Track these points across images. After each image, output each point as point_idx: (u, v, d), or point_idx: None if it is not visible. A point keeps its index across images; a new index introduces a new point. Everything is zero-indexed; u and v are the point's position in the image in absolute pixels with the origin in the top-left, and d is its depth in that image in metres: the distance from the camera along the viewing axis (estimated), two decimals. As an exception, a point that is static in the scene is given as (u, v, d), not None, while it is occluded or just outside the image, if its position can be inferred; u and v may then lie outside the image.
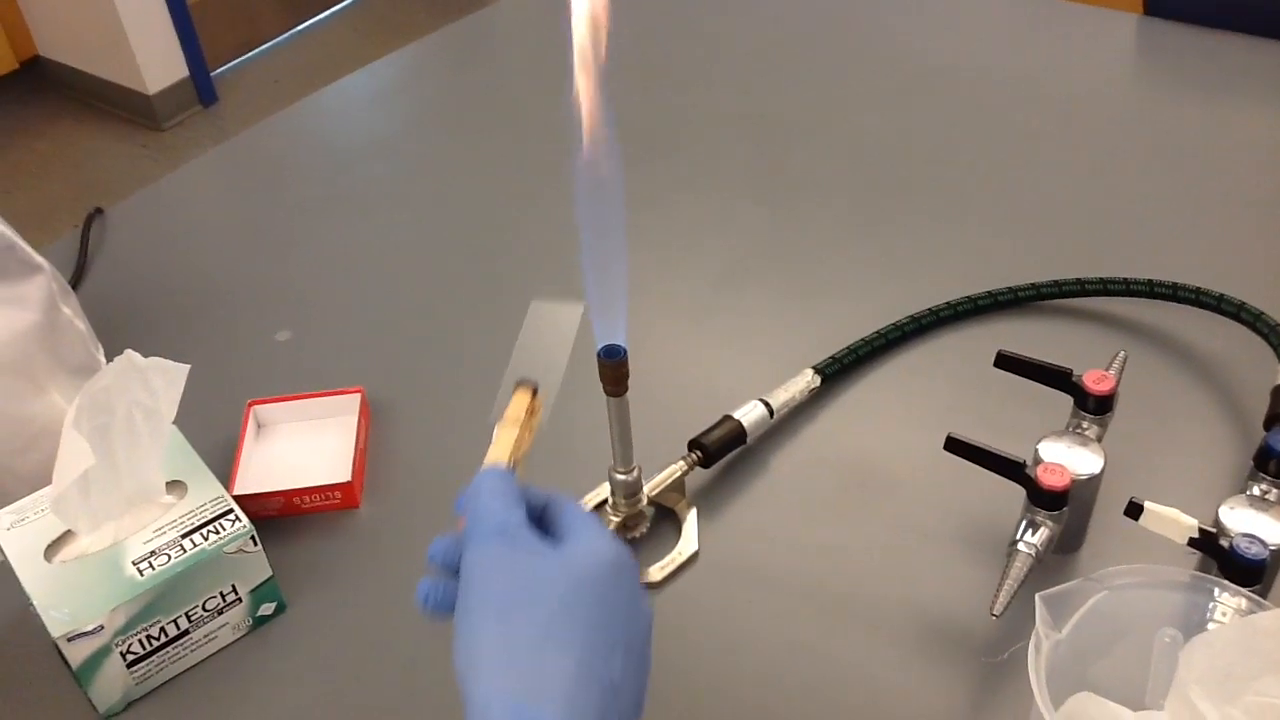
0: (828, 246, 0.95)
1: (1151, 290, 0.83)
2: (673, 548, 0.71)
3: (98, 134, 2.91)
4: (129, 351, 0.63)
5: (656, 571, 0.70)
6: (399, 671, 0.67)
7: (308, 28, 3.30)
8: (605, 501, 0.72)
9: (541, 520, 0.50)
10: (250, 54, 3.17)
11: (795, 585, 0.69)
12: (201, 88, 2.93)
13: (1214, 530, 0.60)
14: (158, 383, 0.64)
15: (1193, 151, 1.02)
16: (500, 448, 0.53)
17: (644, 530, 0.72)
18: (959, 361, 0.82)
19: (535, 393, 0.55)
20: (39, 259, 0.79)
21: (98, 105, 2.96)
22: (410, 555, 0.72)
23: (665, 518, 0.74)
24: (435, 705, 0.64)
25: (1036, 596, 0.50)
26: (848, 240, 0.96)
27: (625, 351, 0.62)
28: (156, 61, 2.81)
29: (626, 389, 0.64)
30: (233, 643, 0.68)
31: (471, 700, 0.41)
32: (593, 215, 0.58)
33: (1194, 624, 0.52)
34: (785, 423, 0.79)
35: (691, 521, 0.72)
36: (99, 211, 1.06)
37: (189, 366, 0.65)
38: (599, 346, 0.62)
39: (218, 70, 3.03)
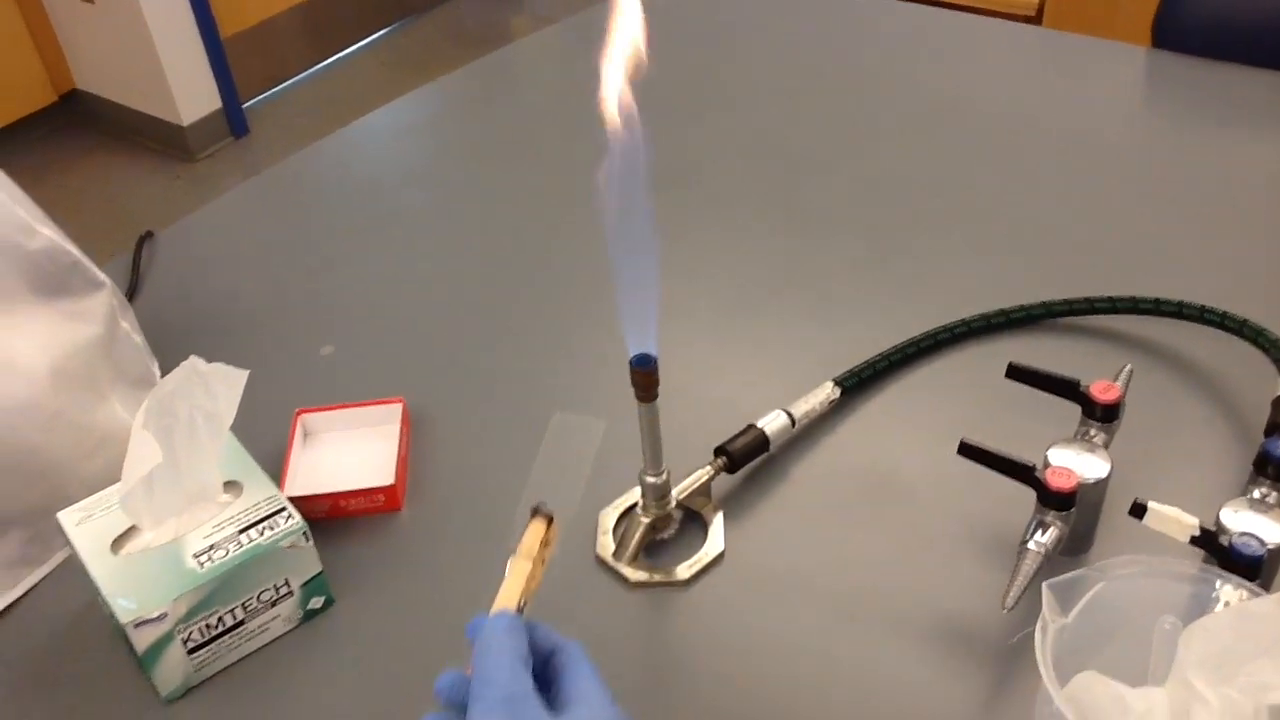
0: (846, 269, 0.99)
1: (1158, 308, 0.86)
2: (700, 548, 0.75)
3: (131, 165, 2.98)
4: (193, 357, 0.67)
5: (684, 570, 0.74)
6: (440, 666, 0.70)
7: (335, 62, 3.38)
8: (635, 505, 0.76)
9: (547, 667, 0.51)
10: (279, 87, 3.25)
11: (816, 585, 0.73)
12: (234, 119, 3.00)
13: (1214, 530, 0.63)
14: (218, 387, 0.68)
15: (1198, 178, 1.06)
16: (513, 586, 0.53)
17: (672, 531, 0.76)
18: (972, 376, 0.86)
19: (550, 522, 0.55)
20: (101, 276, 0.84)
21: (132, 137, 3.04)
22: (450, 557, 0.77)
23: (693, 520, 0.77)
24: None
25: (1044, 584, 0.54)
26: (865, 263, 1.00)
27: (655, 360, 0.66)
28: (190, 93, 2.89)
29: (656, 395, 0.68)
30: (284, 634, 0.72)
31: None
32: (624, 229, 0.63)
33: (1194, 612, 0.55)
34: (806, 433, 0.83)
35: (718, 524, 0.76)
36: (149, 235, 1.10)
37: (248, 372, 0.69)
38: (630, 355, 0.67)
39: (248, 103, 3.10)
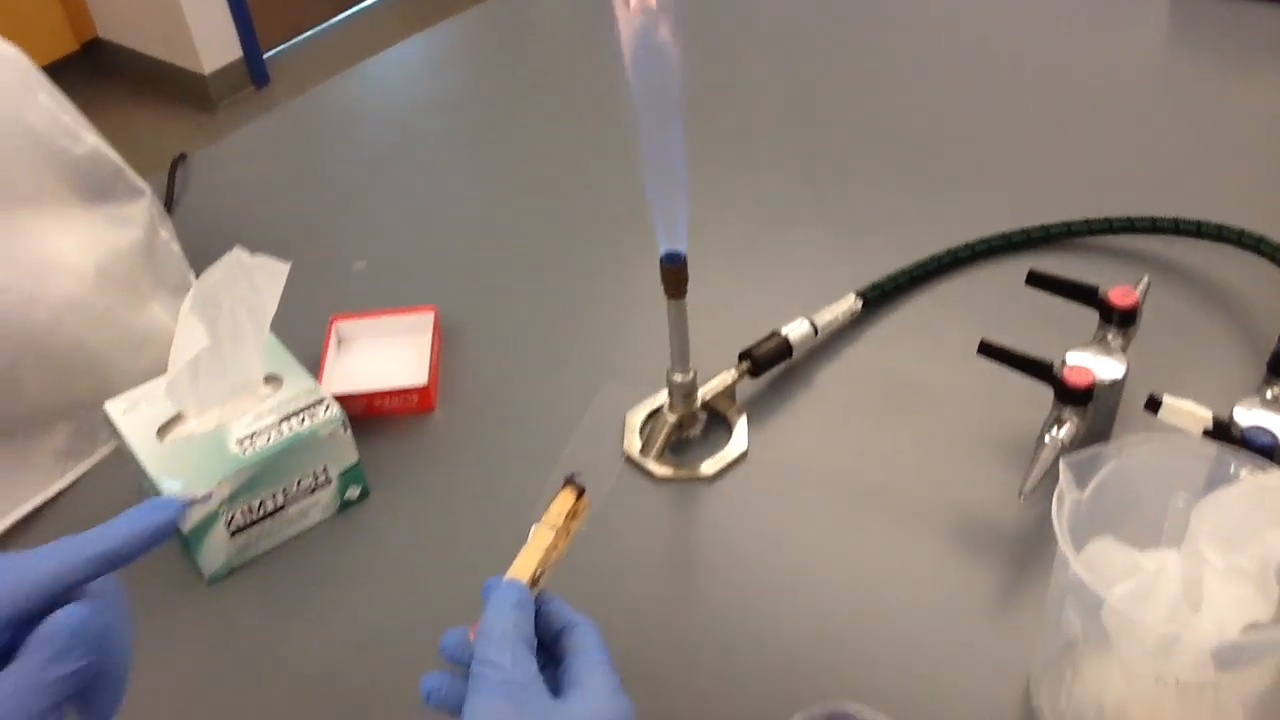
0: (872, 194, 1.01)
1: (1176, 228, 0.88)
2: (724, 447, 0.77)
3: (152, 114, 3.00)
4: (237, 249, 0.70)
5: (709, 466, 0.76)
6: (470, 557, 0.73)
7: (355, 14, 3.38)
8: (661, 406, 0.78)
9: (557, 644, 0.51)
10: (300, 38, 3.26)
11: (837, 481, 0.75)
12: (254, 69, 3.02)
13: (1228, 422, 0.65)
14: (261, 280, 0.70)
15: (1218, 110, 1.07)
16: (530, 555, 0.51)
17: (698, 431, 0.78)
18: (993, 292, 0.88)
19: (581, 494, 0.54)
20: (141, 184, 0.86)
21: (153, 86, 3.05)
22: (481, 457, 0.80)
23: (717, 422, 0.79)
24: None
25: (1061, 460, 0.56)
26: (890, 186, 1.01)
27: (684, 257, 0.68)
28: (212, 42, 2.90)
29: (685, 293, 0.70)
30: (322, 522, 0.75)
31: None
32: (653, 128, 0.64)
33: (1206, 490, 0.57)
34: (829, 342, 0.85)
35: (741, 425, 0.78)
36: (183, 157, 1.13)
37: (290, 264, 0.71)
38: (661, 253, 0.68)
39: (269, 53, 3.11)
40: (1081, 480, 0.56)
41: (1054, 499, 0.55)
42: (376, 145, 1.16)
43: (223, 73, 2.96)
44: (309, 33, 3.28)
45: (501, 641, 0.47)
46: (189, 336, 0.67)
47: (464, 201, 1.06)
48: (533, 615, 0.50)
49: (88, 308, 0.77)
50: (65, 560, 0.42)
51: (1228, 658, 0.51)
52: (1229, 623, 0.51)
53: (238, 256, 0.69)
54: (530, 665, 0.47)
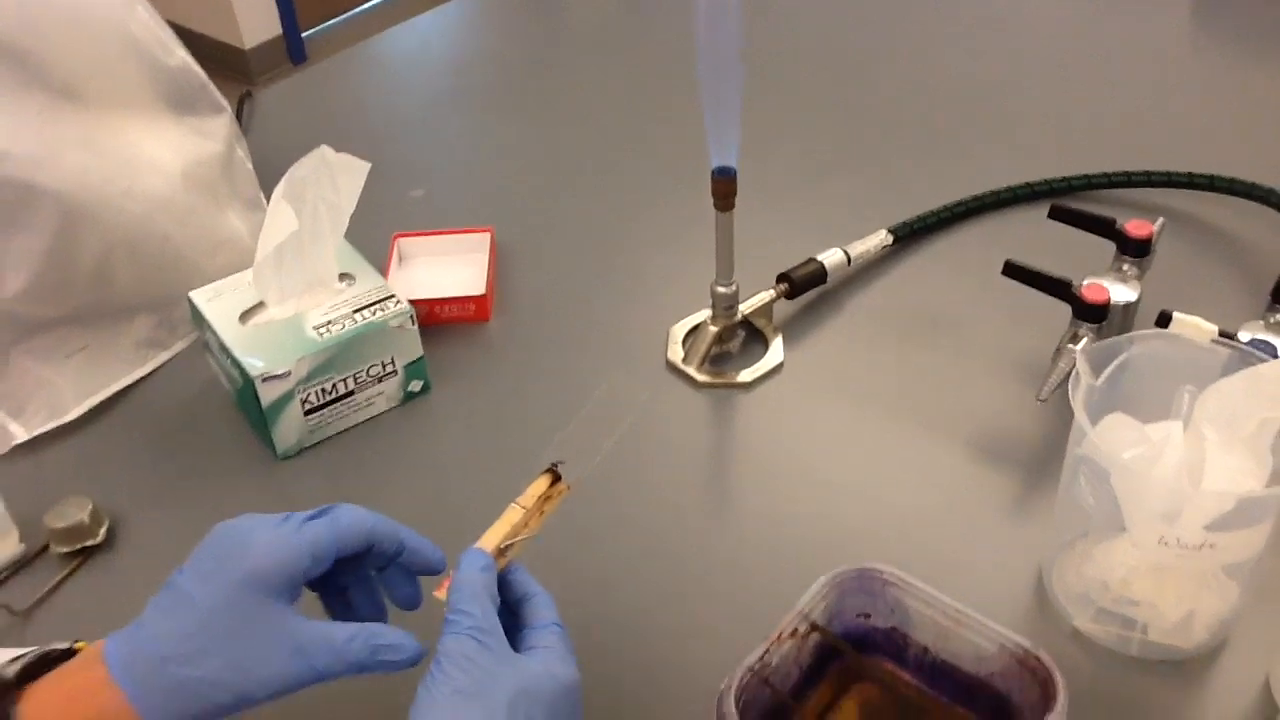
0: (906, 144, 1.06)
1: (1190, 181, 0.93)
2: (761, 360, 0.83)
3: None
4: (324, 146, 0.75)
5: (747, 374, 0.81)
6: (519, 450, 0.77)
7: (393, -2, 3.45)
8: (702, 322, 0.84)
9: (517, 611, 0.55)
10: (339, 18, 3.32)
11: (866, 393, 0.80)
12: (293, 46, 3.08)
13: (1232, 336, 0.70)
14: (342, 179, 0.76)
15: (1236, 81, 1.13)
16: (499, 529, 0.55)
17: (738, 344, 0.84)
18: (1015, 235, 0.93)
19: (557, 480, 0.58)
20: (223, 100, 0.92)
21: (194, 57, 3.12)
22: (533, 363, 0.85)
23: (755, 338, 0.85)
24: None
25: (1078, 350, 0.61)
26: (924, 139, 1.07)
27: (735, 171, 0.74)
28: (253, 17, 2.97)
29: (733, 205, 0.75)
30: (386, 411, 0.80)
31: None
32: (713, 49, 0.70)
33: (1211, 381, 0.62)
34: (861, 274, 0.90)
35: (778, 341, 0.84)
36: (249, 94, 1.19)
37: (370, 165, 0.77)
38: (713, 166, 0.74)
39: (308, 32, 3.18)
40: (1097, 368, 0.62)
41: (1070, 382, 0.60)
42: (429, 90, 1.22)
43: (262, 49, 3.03)
44: (347, 14, 3.35)
45: (470, 595, 0.52)
46: (279, 220, 0.73)
47: (515, 137, 1.12)
48: (494, 580, 0.54)
49: (175, 206, 0.82)
50: (379, 527, 0.55)
51: (1224, 520, 0.56)
52: (1226, 489, 0.56)
53: (323, 153, 0.75)
54: (494, 618, 0.52)
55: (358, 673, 0.51)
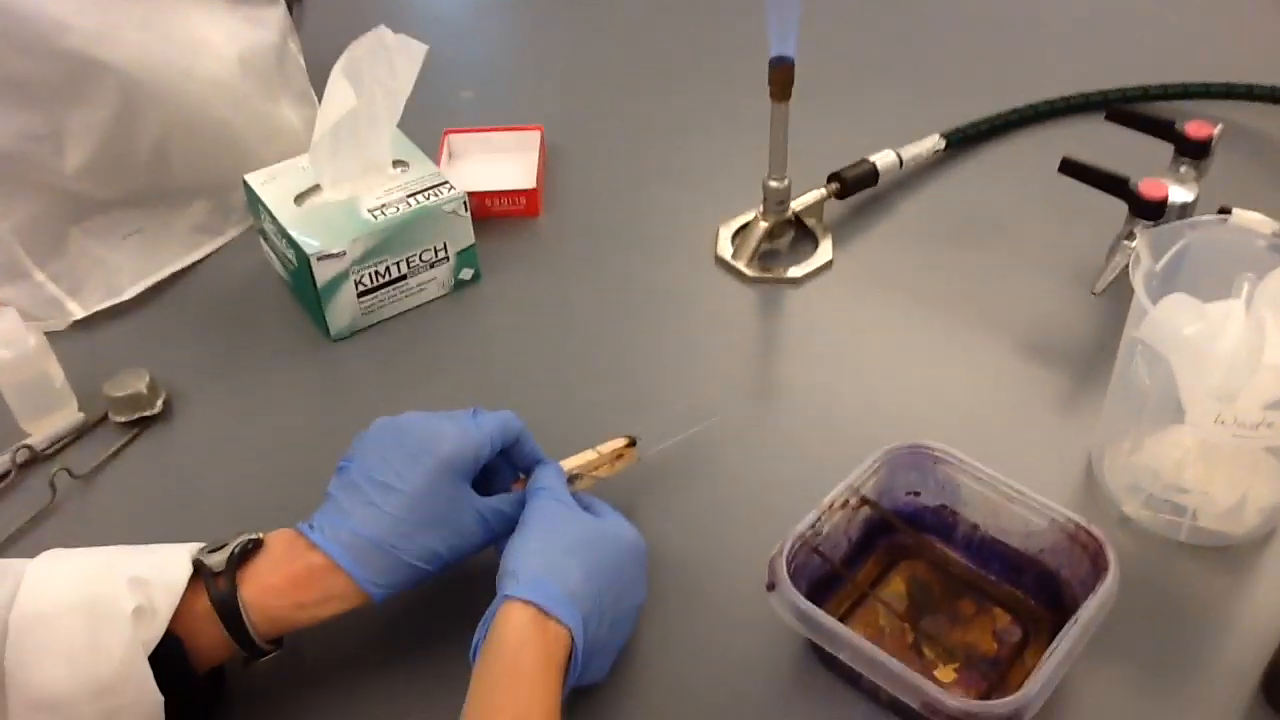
0: (962, 52, 1.06)
1: (1250, 92, 0.92)
2: (811, 257, 0.83)
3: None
4: (382, 26, 0.75)
5: (796, 270, 0.81)
6: (567, 340, 0.79)
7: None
8: (752, 219, 0.84)
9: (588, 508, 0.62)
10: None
11: (914, 292, 0.80)
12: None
13: (1292, 232, 0.69)
14: (399, 61, 0.76)
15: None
16: (573, 461, 0.64)
17: (787, 241, 0.84)
18: (1069, 144, 0.90)
19: (632, 443, 0.66)
20: (278, -7, 0.92)
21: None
22: (582, 256, 0.86)
23: (805, 237, 0.85)
24: (599, 368, 0.77)
25: (1139, 231, 0.61)
26: (979, 48, 1.06)
27: (792, 60, 0.73)
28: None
29: (789, 96, 0.75)
30: (437, 298, 0.81)
31: (502, 573, 0.54)
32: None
33: (1271, 270, 0.61)
34: (912, 178, 0.90)
35: (828, 240, 0.84)
36: (298, -3, 1.18)
37: (428, 47, 0.77)
38: (771, 55, 0.74)
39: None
40: (1157, 252, 0.61)
41: (1130, 264, 0.60)
42: None
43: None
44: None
45: (552, 479, 0.60)
46: (337, 97, 0.73)
47: (563, 38, 1.12)
48: (567, 486, 0.61)
49: (231, 91, 0.83)
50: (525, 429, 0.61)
51: (1283, 399, 0.56)
52: (1287, 369, 0.56)
53: (381, 34, 0.75)
54: (568, 494, 0.60)
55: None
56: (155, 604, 0.51)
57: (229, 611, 0.53)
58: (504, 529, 0.58)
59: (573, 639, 0.51)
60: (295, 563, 0.55)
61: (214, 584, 0.53)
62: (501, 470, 0.62)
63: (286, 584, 0.54)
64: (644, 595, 0.58)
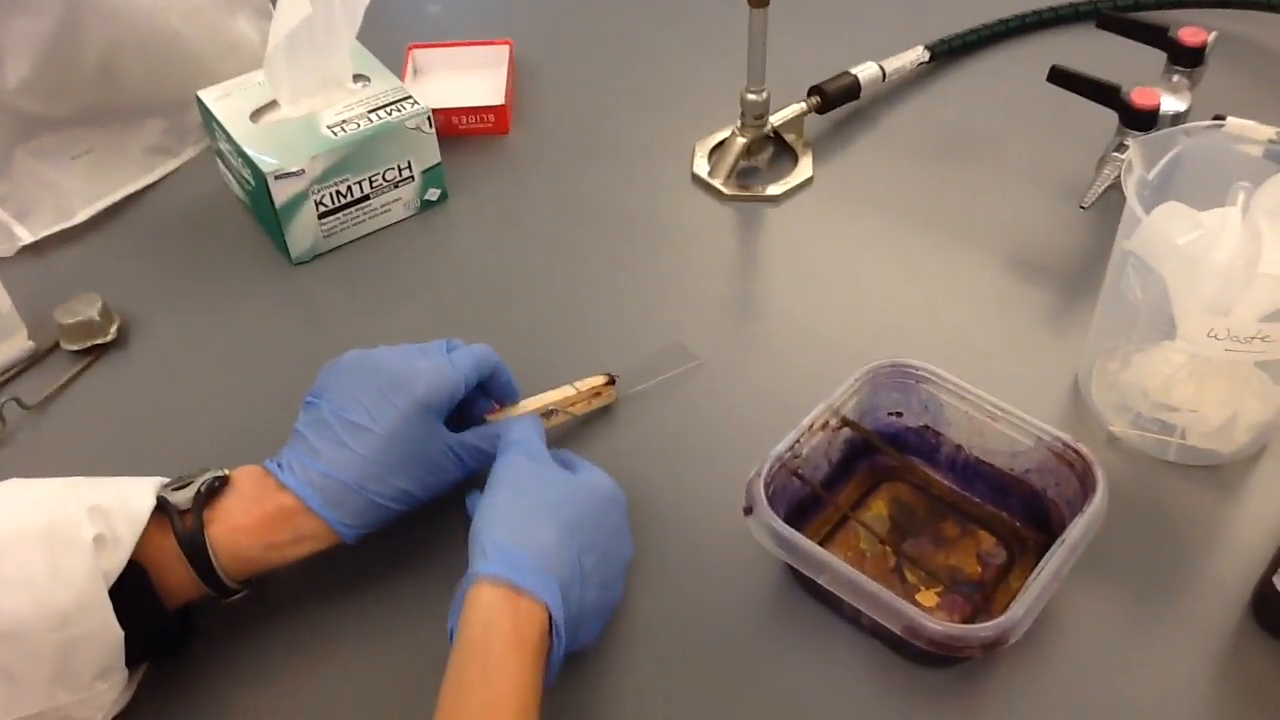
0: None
1: (1223, 0, 0.89)
2: (791, 174, 0.80)
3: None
4: (337, -71, 0.72)
5: (775, 188, 0.78)
6: (538, 262, 0.76)
7: None
8: (729, 135, 0.80)
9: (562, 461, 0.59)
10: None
11: (898, 209, 0.77)
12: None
13: (1288, 141, 0.67)
14: (357, -32, 0.72)
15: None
16: (550, 396, 0.62)
17: (767, 157, 0.81)
18: (1059, 56, 0.88)
19: (611, 382, 0.65)
20: (229, -100, 0.87)
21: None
22: (554, 175, 0.82)
23: (784, 153, 0.82)
24: (573, 291, 0.75)
25: (1131, 140, 0.58)
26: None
27: (772, -37, 0.70)
28: None
29: (768, 1, 0.72)
30: (402, 220, 0.78)
31: (472, 544, 0.50)
32: None
33: (1266, 178, 0.59)
34: (896, 92, 0.87)
35: (808, 156, 0.81)
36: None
37: (386, -48, 0.73)
38: (748, -42, 0.70)
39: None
40: (1150, 161, 0.59)
41: (1122, 171, 0.57)
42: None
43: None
44: None
45: (525, 432, 0.57)
46: (291, 3, 0.69)
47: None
48: (542, 431, 0.59)
49: (183, 2, 0.79)
50: (500, 362, 0.60)
51: (1278, 313, 0.54)
52: (1283, 280, 0.54)
53: (336, -62, 0.71)
54: (543, 448, 0.57)
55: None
56: (118, 533, 0.49)
57: (196, 551, 0.51)
58: (480, 465, 0.56)
59: (551, 612, 0.48)
60: (265, 503, 0.53)
61: (180, 522, 0.51)
62: (476, 401, 0.60)
63: (257, 524, 0.52)
64: (632, 551, 0.56)
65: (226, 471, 0.54)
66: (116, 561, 0.48)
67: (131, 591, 0.49)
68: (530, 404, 0.62)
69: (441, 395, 0.55)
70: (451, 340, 0.59)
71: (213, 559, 0.51)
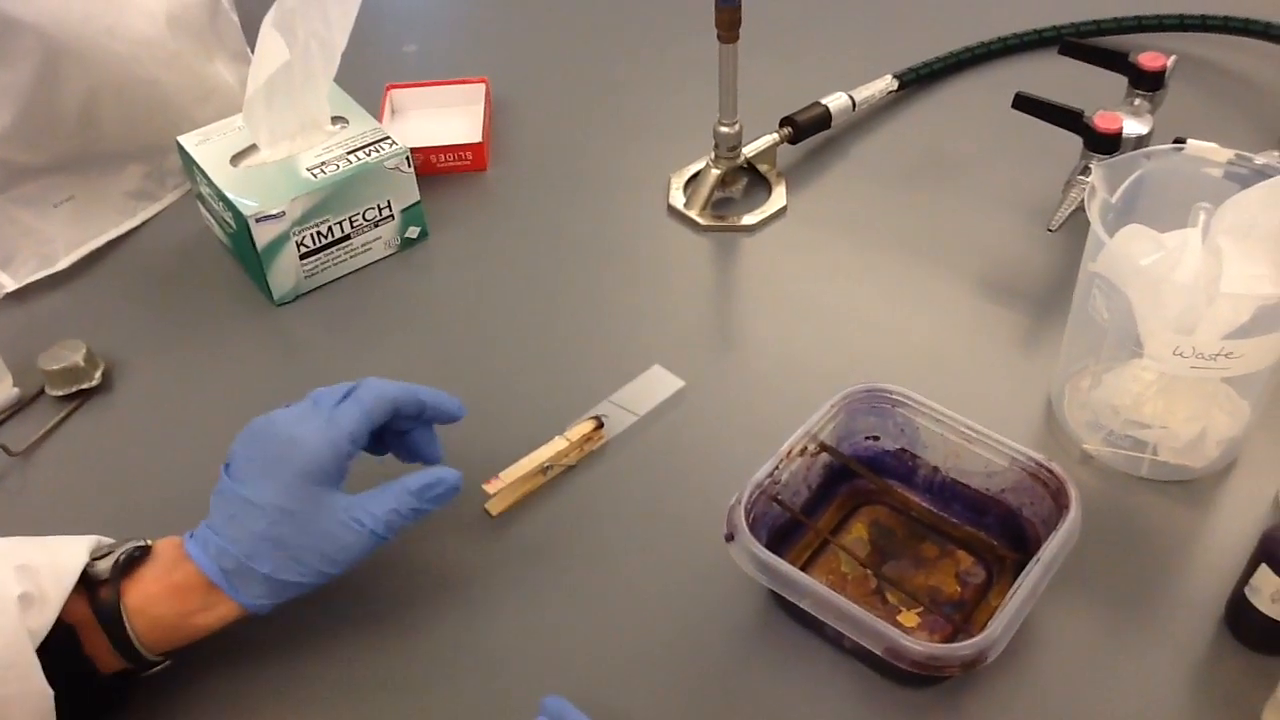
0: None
1: (1204, 23, 0.90)
2: (765, 203, 0.81)
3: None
4: (315, -26, 0.73)
5: (750, 218, 0.80)
6: (517, 296, 0.77)
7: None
8: (703, 168, 0.82)
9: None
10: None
11: (871, 234, 0.79)
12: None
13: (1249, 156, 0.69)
14: (334, 12, 0.74)
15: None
16: (543, 453, 0.64)
17: (740, 189, 0.82)
18: (1024, 81, 0.88)
19: (600, 426, 0.66)
20: (206, -52, 0.89)
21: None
22: (532, 210, 0.84)
23: (758, 185, 0.83)
24: (553, 323, 0.76)
25: (1093, 164, 0.60)
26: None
27: (739, 1, 0.71)
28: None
29: (737, 37, 0.73)
30: (383, 258, 0.79)
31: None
32: None
33: (1226, 199, 0.60)
34: (866, 120, 0.88)
35: (781, 185, 0.82)
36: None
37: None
38: (718, -2, 0.72)
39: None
40: (1112, 184, 0.60)
41: (1085, 197, 0.59)
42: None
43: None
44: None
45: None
46: (269, 49, 0.71)
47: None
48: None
49: (160, 48, 0.80)
50: (400, 395, 0.58)
51: (1241, 329, 0.55)
52: (1244, 297, 0.55)
53: (313, -17, 0.72)
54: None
55: (417, 519, 0.55)
56: (45, 592, 0.48)
57: (111, 620, 0.51)
58: (395, 523, 0.54)
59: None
60: (175, 573, 0.53)
61: (97, 593, 0.51)
62: (409, 433, 0.59)
63: (169, 593, 0.52)
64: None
65: (149, 542, 0.54)
66: (44, 620, 0.48)
67: (62, 652, 0.49)
68: (526, 463, 0.63)
69: (324, 462, 0.53)
70: (358, 383, 0.57)
71: (128, 629, 0.51)
